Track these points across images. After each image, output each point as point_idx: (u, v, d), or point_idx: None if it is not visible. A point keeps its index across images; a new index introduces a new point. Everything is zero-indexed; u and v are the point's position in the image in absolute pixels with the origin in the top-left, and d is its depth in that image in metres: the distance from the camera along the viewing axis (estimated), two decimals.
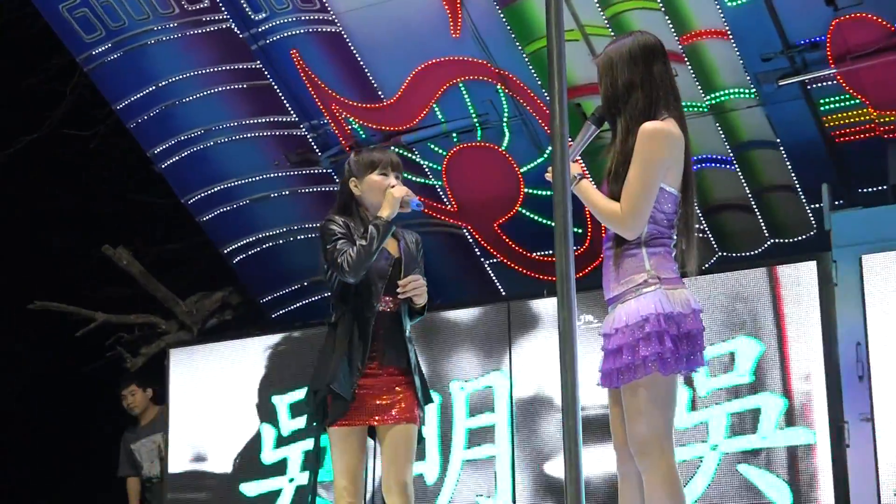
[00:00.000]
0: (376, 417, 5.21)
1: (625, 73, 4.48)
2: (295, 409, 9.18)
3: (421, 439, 5.36)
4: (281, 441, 9.27)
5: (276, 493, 9.20)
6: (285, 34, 9.49)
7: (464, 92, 9.23)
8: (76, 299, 11.74)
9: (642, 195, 4.33)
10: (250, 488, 9.35)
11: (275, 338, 9.50)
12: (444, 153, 9.53)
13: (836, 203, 8.17)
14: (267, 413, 9.33)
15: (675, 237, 4.47)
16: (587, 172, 4.67)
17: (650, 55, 4.50)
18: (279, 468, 9.24)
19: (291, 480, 9.16)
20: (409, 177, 9.33)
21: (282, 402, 9.26)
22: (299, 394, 9.06)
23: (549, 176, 4.43)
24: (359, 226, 5.33)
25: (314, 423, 5.28)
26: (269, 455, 9.30)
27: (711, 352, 7.52)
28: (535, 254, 9.55)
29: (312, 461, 5.47)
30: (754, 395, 7.55)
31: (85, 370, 12.40)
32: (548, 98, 8.72)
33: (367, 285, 5.24)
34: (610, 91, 4.51)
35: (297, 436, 9.19)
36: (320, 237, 5.31)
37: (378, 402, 5.21)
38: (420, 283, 5.27)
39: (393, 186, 5.33)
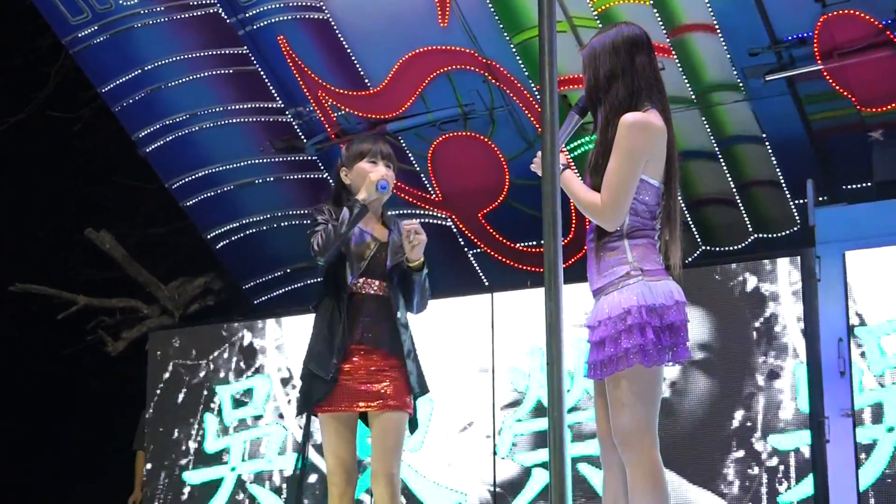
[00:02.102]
0: (362, 403, 5.18)
1: (607, 63, 4.47)
2: (238, 401, 9.25)
3: (415, 427, 5.34)
4: (224, 431, 9.34)
5: (218, 482, 9.28)
6: (273, 20, 9.46)
7: (451, 81, 9.22)
8: (58, 282, 11.71)
9: (622, 186, 4.32)
10: (193, 476, 9.42)
11: (256, 324, 9.49)
12: (430, 142, 9.52)
13: (821, 199, 8.20)
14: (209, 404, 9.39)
15: (658, 229, 4.46)
16: (572, 163, 4.67)
17: (633, 46, 4.49)
18: (219, 457, 9.32)
19: (233, 469, 9.20)
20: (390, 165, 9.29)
21: (225, 392, 9.30)
22: (244, 384, 9.12)
23: (533, 167, 4.44)
24: None
25: (301, 407, 5.27)
26: (211, 444, 9.35)
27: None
28: (519, 244, 9.55)
29: (301, 446, 5.45)
30: None
31: (65, 353, 12.37)
32: (534, 88, 8.75)
33: (342, 265, 5.24)
34: (592, 82, 4.50)
35: (241, 425, 9.26)
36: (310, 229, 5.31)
37: (365, 388, 5.19)
38: (422, 234, 5.23)
39: (383, 177, 5.31)
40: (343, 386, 5.18)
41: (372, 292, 5.27)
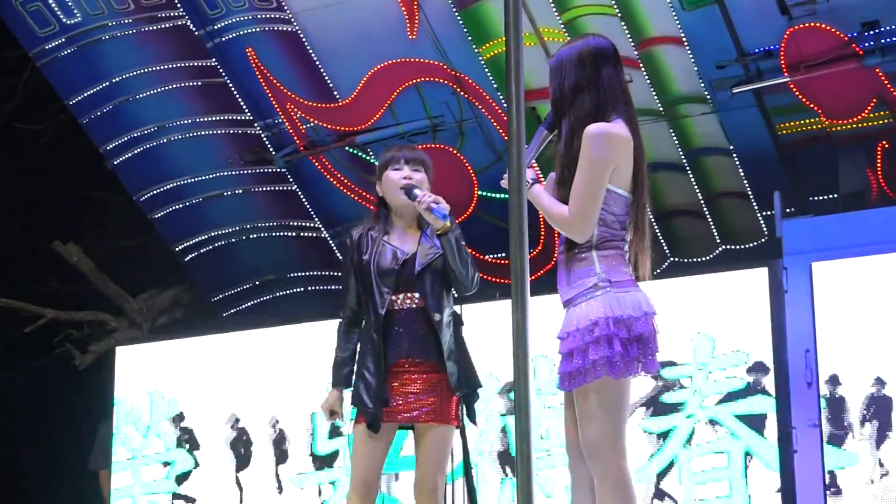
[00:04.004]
0: (404, 414, 5.09)
1: (573, 75, 4.46)
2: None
3: (473, 418, 5.22)
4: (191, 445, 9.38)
5: None
6: (241, 32, 9.45)
7: (420, 93, 9.23)
8: (25, 295, 11.63)
9: (588, 198, 4.31)
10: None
11: (225, 337, 9.46)
12: None
13: (788, 211, 8.24)
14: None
15: (627, 239, 4.45)
16: (542, 177, 4.67)
17: (600, 58, 4.48)
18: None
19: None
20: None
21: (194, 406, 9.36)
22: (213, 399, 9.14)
23: (504, 183, 4.43)
24: (385, 228, 5.26)
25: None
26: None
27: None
28: (488, 256, 9.56)
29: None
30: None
31: (33, 367, 12.29)
32: (503, 101, 8.76)
33: (370, 290, 5.17)
34: (558, 93, 4.49)
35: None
36: None
37: (406, 402, 5.10)
38: (442, 202, 5.07)
39: (406, 178, 5.20)
40: (388, 399, 5.09)
41: (406, 307, 5.17)
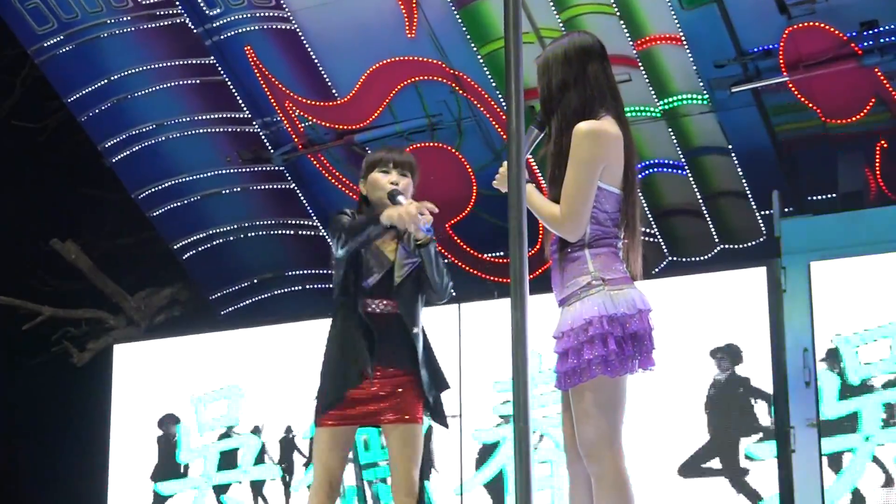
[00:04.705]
0: (368, 419, 5.12)
1: (559, 73, 4.45)
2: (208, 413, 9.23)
3: (441, 422, 5.25)
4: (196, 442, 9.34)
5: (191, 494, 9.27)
6: (240, 30, 9.44)
7: (418, 92, 9.22)
8: (23, 293, 11.62)
9: (578, 197, 4.30)
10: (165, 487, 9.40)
11: (223, 335, 9.45)
12: None
13: (786, 210, 8.24)
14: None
15: (621, 236, 4.44)
16: (541, 177, 4.66)
17: (585, 55, 4.47)
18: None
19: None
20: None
21: (195, 403, 9.30)
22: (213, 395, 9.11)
23: (496, 183, 4.43)
24: None
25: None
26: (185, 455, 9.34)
27: None
28: (486, 255, 9.55)
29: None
30: None
31: (30, 364, 12.28)
32: (501, 99, 8.76)
33: (354, 286, 5.16)
34: (546, 92, 4.48)
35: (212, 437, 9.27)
36: (329, 229, 5.23)
37: (373, 406, 5.11)
38: (426, 213, 5.10)
39: (393, 184, 5.23)
40: (349, 402, 5.11)
41: (384, 311, 5.17)
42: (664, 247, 9.18)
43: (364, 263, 5.18)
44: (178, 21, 9.57)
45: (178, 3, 9.44)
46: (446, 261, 9.62)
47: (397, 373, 5.16)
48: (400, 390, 5.14)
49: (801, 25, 8.04)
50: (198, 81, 9.86)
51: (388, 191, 5.21)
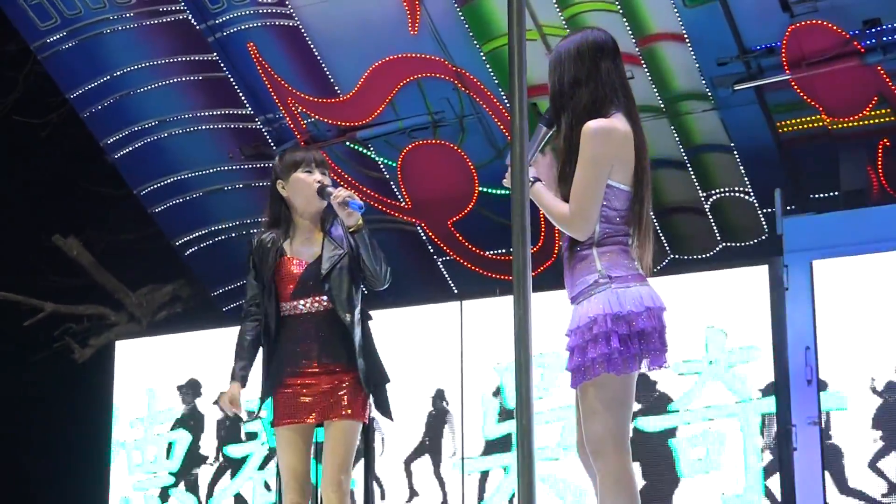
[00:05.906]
0: (314, 415, 5.20)
1: (571, 69, 4.41)
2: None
3: (386, 415, 5.33)
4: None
5: None
6: (242, 27, 9.44)
7: (420, 89, 9.22)
8: (25, 289, 11.62)
9: (587, 195, 4.28)
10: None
11: (225, 331, 9.44)
12: (400, 150, 9.51)
13: (789, 208, 8.24)
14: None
15: (631, 233, 4.41)
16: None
17: (598, 52, 4.43)
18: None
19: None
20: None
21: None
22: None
23: (506, 181, 4.41)
24: (286, 231, 5.36)
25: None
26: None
27: None
28: (488, 252, 9.55)
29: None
30: None
31: (32, 360, 12.28)
32: (504, 97, 8.76)
33: (271, 298, 5.32)
34: (556, 88, 4.44)
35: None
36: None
37: (318, 401, 5.20)
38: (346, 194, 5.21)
39: (318, 182, 5.31)
40: (296, 399, 5.21)
41: (314, 310, 5.26)
42: (666, 245, 9.18)
43: (280, 270, 5.34)
44: (181, 17, 9.57)
45: None
46: (447, 258, 9.67)
47: (338, 366, 5.23)
48: (343, 386, 5.21)
49: (803, 23, 8.03)
50: (200, 78, 9.86)
51: (315, 188, 5.30)
